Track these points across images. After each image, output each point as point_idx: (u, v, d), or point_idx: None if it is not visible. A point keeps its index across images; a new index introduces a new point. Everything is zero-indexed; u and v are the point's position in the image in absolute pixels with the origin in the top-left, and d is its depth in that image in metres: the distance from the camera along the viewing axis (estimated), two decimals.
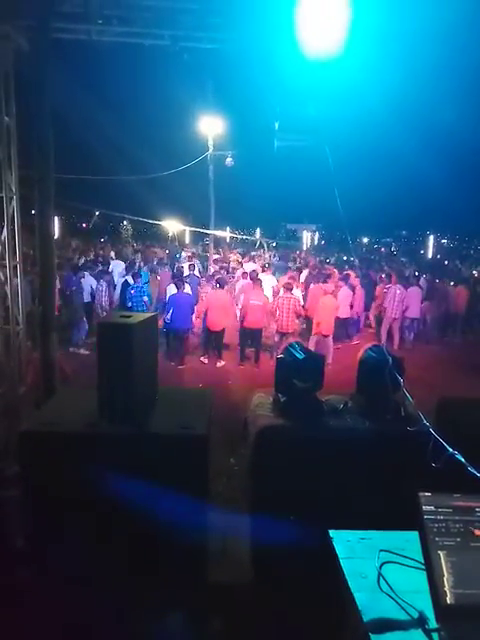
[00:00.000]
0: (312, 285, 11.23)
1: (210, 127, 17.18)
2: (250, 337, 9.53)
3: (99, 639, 2.40)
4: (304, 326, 10.76)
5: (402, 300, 11.04)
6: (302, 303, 9.90)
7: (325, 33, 3.61)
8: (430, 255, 36.28)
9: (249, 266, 14.18)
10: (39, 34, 4.22)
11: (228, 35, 4.25)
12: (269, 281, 11.71)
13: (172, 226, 25.10)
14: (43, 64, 4.34)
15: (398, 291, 11.11)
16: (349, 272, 12.86)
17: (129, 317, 2.70)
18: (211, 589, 2.73)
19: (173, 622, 2.48)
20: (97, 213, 33.57)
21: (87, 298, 10.59)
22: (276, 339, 9.57)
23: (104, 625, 2.36)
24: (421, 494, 1.32)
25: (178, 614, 2.50)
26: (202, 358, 9.69)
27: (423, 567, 1.27)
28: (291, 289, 9.47)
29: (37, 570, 2.55)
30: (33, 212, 4.61)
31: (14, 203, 4.64)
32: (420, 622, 1.20)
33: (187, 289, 9.96)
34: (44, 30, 4.21)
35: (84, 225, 43.84)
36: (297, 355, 3.10)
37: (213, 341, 9.64)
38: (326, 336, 9.61)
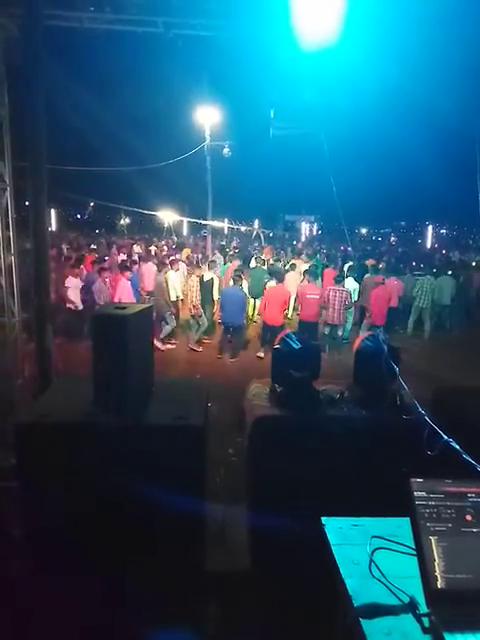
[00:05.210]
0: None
1: (207, 117, 17.00)
2: (307, 330, 9.35)
3: (98, 630, 2.41)
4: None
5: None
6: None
7: (321, 20, 3.57)
8: (428, 245, 36.23)
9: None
10: (31, 22, 4.16)
11: (222, 22, 4.20)
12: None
13: (168, 217, 24.95)
14: (35, 53, 4.27)
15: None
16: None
17: (124, 308, 2.69)
18: (209, 577, 2.75)
19: (171, 611, 2.50)
20: (92, 204, 33.26)
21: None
22: (326, 332, 9.98)
23: (102, 616, 2.37)
24: (413, 480, 1.32)
25: (176, 603, 2.51)
26: (258, 353, 9.66)
27: (414, 553, 1.28)
28: (340, 282, 9.89)
29: (34, 561, 2.55)
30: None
31: (8, 195, 4.61)
32: (411, 607, 1.21)
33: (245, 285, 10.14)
34: (36, 18, 4.15)
35: (78, 216, 43.34)
36: (293, 345, 3.10)
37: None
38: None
